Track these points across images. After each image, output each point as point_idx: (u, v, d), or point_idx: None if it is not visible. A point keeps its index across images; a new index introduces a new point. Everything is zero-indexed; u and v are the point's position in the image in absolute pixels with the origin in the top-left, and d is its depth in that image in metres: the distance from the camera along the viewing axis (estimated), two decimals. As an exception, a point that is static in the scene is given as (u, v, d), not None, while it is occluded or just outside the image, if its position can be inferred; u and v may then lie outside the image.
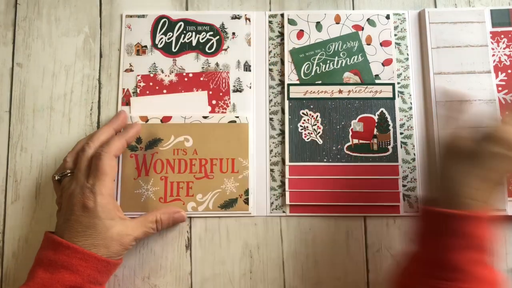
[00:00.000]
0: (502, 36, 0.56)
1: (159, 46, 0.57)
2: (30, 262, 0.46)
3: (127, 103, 0.56)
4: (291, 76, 0.56)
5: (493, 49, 0.56)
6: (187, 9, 0.59)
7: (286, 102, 0.56)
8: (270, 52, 0.57)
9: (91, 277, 0.43)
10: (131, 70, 0.56)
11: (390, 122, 0.55)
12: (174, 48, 0.57)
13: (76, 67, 0.57)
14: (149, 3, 0.59)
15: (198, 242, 0.54)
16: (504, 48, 0.56)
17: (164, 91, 0.56)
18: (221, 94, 0.56)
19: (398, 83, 0.56)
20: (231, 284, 0.53)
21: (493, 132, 0.41)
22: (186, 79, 0.56)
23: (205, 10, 0.58)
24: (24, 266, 0.53)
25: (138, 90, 0.56)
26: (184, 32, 0.57)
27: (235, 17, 0.58)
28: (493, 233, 0.40)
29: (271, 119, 0.56)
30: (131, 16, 0.58)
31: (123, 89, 0.56)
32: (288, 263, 0.53)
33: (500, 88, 0.55)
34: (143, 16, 0.58)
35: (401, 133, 0.55)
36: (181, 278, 0.53)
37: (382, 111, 0.55)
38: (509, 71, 0.55)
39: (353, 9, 0.59)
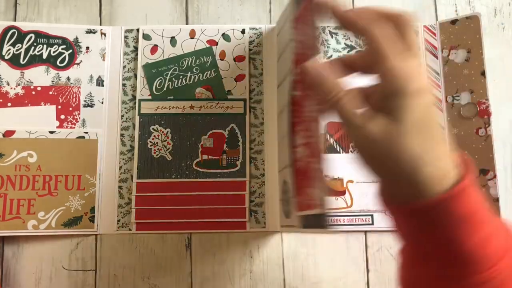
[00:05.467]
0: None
1: (6, 57, 0.55)
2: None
3: (-34, 116, 0.53)
4: (143, 91, 0.55)
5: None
6: (187, 9, 0.58)
7: (137, 117, 0.55)
8: (124, 67, 0.56)
9: None
10: (-27, 82, 0.54)
11: (240, 138, 0.55)
12: (23, 60, 0.55)
13: None
14: (150, 3, 0.58)
15: (198, 242, 0.53)
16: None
17: (9, 104, 0.54)
18: (70, 109, 0.55)
19: (251, 98, 0.56)
20: (231, 284, 0.52)
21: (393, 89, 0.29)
22: (33, 92, 0.55)
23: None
24: (24, 266, 0.52)
25: (-21, 103, 0.54)
26: (35, 44, 0.56)
27: (90, 32, 0.57)
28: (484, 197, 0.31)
29: (122, 135, 0.55)
30: (-24, 27, 0.56)
31: (-36, 102, 0.54)
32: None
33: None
34: (-11, 26, 0.56)
35: (251, 149, 0.55)
36: (181, 278, 0.52)
37: (232, 126, 0.55)
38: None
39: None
